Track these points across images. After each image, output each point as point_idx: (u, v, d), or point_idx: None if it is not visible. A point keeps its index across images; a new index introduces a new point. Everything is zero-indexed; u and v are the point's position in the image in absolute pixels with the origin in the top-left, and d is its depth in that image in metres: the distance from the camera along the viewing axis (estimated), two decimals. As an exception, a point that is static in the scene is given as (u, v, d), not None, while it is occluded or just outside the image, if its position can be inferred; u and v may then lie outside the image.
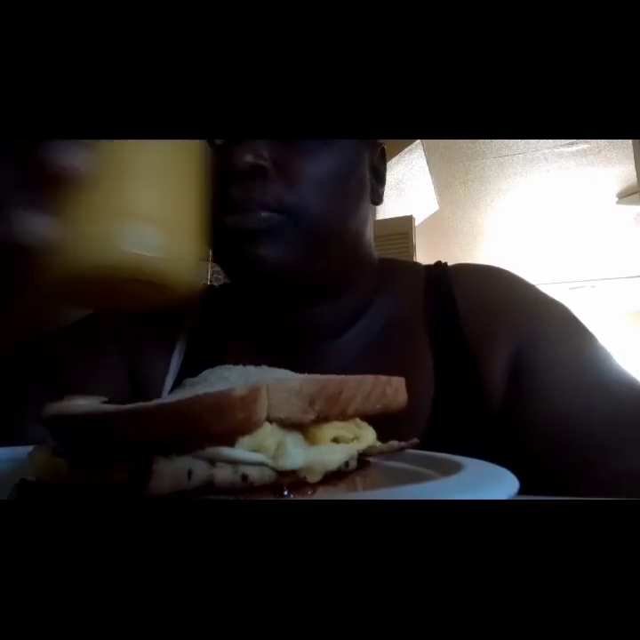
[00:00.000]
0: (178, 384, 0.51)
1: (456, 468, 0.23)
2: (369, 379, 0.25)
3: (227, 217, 0.42)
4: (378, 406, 0.25)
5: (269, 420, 0.21)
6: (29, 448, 0.23)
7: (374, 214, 0.54)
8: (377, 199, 0.51)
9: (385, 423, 0.46)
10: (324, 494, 0.22)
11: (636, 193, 2.51)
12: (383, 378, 0.26)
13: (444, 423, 0.46)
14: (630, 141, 2.17)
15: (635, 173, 2.20)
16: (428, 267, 0.57)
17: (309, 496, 0.22)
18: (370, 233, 0.52)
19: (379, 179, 0.51)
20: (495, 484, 0.20)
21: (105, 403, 0.24)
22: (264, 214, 0.42)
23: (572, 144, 2.42)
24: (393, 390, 0.27)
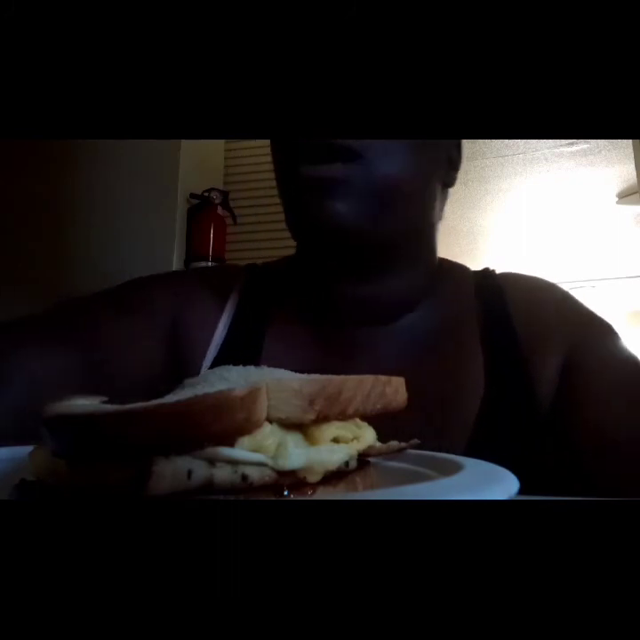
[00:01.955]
0: (221, 360, 0.51)
1: (456, 468, 0.23)
2: (368, 379, 0.25)
3: (305, 165, 0.42)
4: (378, 406, 0.25)
5: (269, 419, 0.21)
6: (29, 448, 0.23)
7: (444, 200, 0.55)
8: (450, 181, 0.53)
9: (434, 416, 0.46)
10: (324, 494, 0.22)
11: (635, 193, 2.51)
12: (383, 378, 0.26)
13: (493, 422, 0.47)
14: (630, 141, 2.17)
15: (635, 173, 2.19)
16: (476, 272, 0.59)
17: (309, 496, 0.22)
18: (437, 217, 0.53)
19: (452, 165, 0.53)
20: (495, 483, 0.20)
21: (105, 403, 0.24)
22: (342, 164, 0.41)
23: (572, 144, 2.42)
24: (393, 390, 0.27)
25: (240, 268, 0.61)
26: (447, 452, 0.29)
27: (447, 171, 0.52)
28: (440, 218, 0.55)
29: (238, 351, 0.51)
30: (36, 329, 0.52)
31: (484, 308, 0.53)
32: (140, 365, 0.52)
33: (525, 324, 0.51)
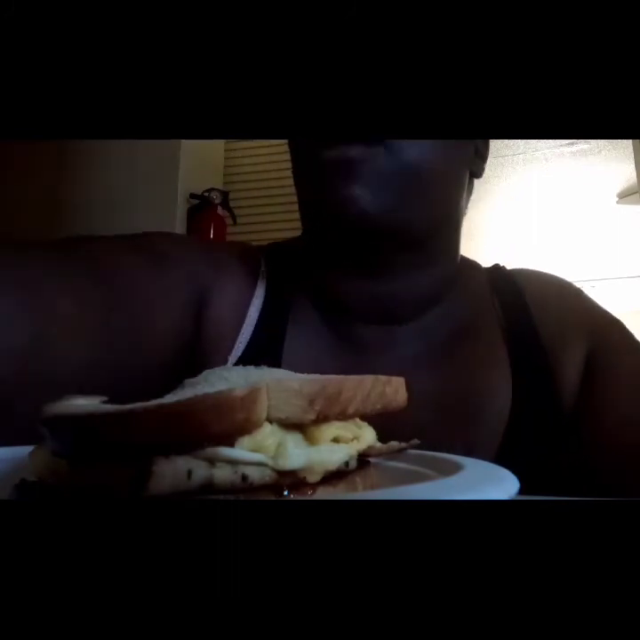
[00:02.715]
0: (247, 354, 0.47)
1: (456, 468, 0.23)
2: (368, 378, 0.25)
3: (325, 150, 0.40)
4: (378, 406, 0.25)
5: (269, 420, 0.21)
6: (29, 448, 0.23)
7: (470, 193, 0.53)
8: (477, 171, 0.51)
9: (463, 426, 0.45)
10: (324, 494, 0.22)
11: (635, 193, 2.51)
12: (383, 378, 0.26)
13: (523, 431, 0.45)
14: (630, 141, 2.17)
15: (635, 173, 2.20)
16: (487, 268, 0.57)
17: (309, 496, 0.22)
18: (462, 210, 0.50)
19: (480, 156, 0.51)
20: (495, 483, 0.20)
21: (105, 402, 0.24)
22: (363, 146, 0.39)
23: (572, 144, 2.42)
24: (393, 390, 0.27)
25: (256, 250, 0.56)
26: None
27: (474, 158, 0.50)
28: (464, 212, 0.52)
29: (263, 348, 0.48)
30: (42, 257, 0.41)
31: (503, 308, 0.51)
32: (168, 328, 0.46)
33: (547, 325, 0.49)
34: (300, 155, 0.45)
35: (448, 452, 0.28)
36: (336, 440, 0.24)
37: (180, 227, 1.78)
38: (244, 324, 0.49)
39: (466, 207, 0.53)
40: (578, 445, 0.45)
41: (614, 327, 0.51)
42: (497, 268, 0.57)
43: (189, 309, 0.48)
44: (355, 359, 0.48)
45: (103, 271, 0.44)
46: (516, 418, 0.46)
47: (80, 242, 0.46)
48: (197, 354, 0.48)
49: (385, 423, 0.27)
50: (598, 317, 0.51)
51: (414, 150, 0.41)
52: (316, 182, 0.42)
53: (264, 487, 0.21)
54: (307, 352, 0.49)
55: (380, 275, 0.47)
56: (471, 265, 0.56)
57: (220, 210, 1.90)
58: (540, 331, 0.49)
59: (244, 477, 0.20)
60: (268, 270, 0.53)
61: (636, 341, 0.49)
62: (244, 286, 0.51)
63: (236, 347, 0.48)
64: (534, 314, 0.50)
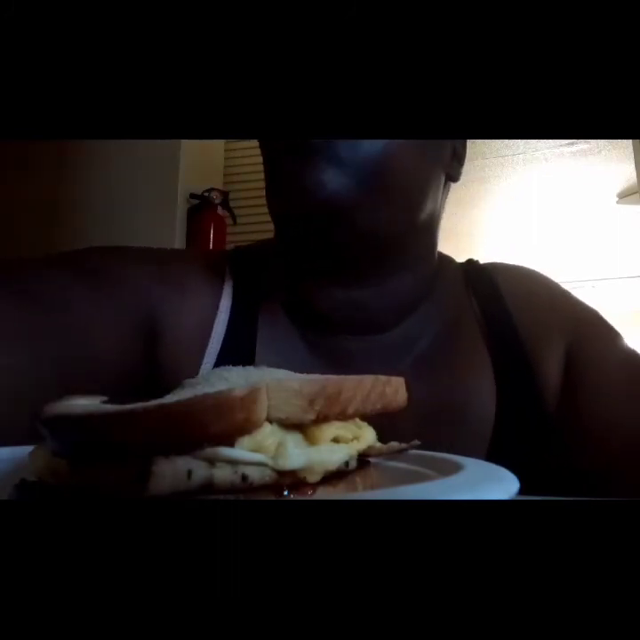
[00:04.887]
0: (221, 363, 0.44)
1: (456, 468, 0.23)
2: (368, 378, 0.25)
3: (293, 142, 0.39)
4: (378, 406, 0.25)
5: (269, 420, 0.21)
6: (29, 448, 0.23)
7: (446, 194, 0.51)
8: (454, 175, 0.49)
9: (452, 429, 0.44)
10: (323, 494, 0.22)
11: (635, 193, 2.51)
12: (382, 378, 0.26)
13: (509, 431, 0.45)
14: (630, 141, 2.18)
15: (635, 173, 2.20)
16: (461, 264, 0.56)
17: (309, 496, 0.22)
18: (438, 214, 0.49)
19: (457, 158, 0.50)
20: (495, 483, 0.20)
21: (105, 402, 0.24)
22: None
23: (572, 144, 2.42)
24: (392, 390, 0.27)
25: (220, 257, 0.53)
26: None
27: (451, 162, 0.49)
28: (440, 215, 0.51)
29: (234, 359, 0.47)
30: None
31: (481, 306, 0.51)
32: (102, 351, 0.43)
33: (525, 324, 0.49)
34: (269, 149, 0.44)
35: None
36: (336, 440, 0.24)
37: (180, 227, 1.78)
38: (210, 342, 0.46)
39: (442, 211, 0.51)
40: (563, 445, 0.45)
41: (593, 321, 0.50)
42: (471, 264, 0.56)
43: (135, 330, 0.45)
44: (336, 373, 0.47)
45: (34, 295, 0.41)
46: (502, 418, 0.45)
47: (11, 265, 0.43)
48: (158, 375, 0.45)
49: (384, 423, 0.27)
50: (576, 311, 0.51)
51: (381, 146, 0.40)
52: (279, 169, 0.42)
53: (264, 487, 0.21)
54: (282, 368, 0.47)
55: (355, 282, 0.45)
56: (446, 261, 0.55)
57: (219, 210, 1.90)
58: (520, 328, 0.48)
59: (244, 477, 0.20)
60: (234, 280, 0.50)
61: (617, 335, 0.49)
62: (206, 300, 0.48)
63: (202, 366, 0.45)
64: (512, 310, 0.49)
